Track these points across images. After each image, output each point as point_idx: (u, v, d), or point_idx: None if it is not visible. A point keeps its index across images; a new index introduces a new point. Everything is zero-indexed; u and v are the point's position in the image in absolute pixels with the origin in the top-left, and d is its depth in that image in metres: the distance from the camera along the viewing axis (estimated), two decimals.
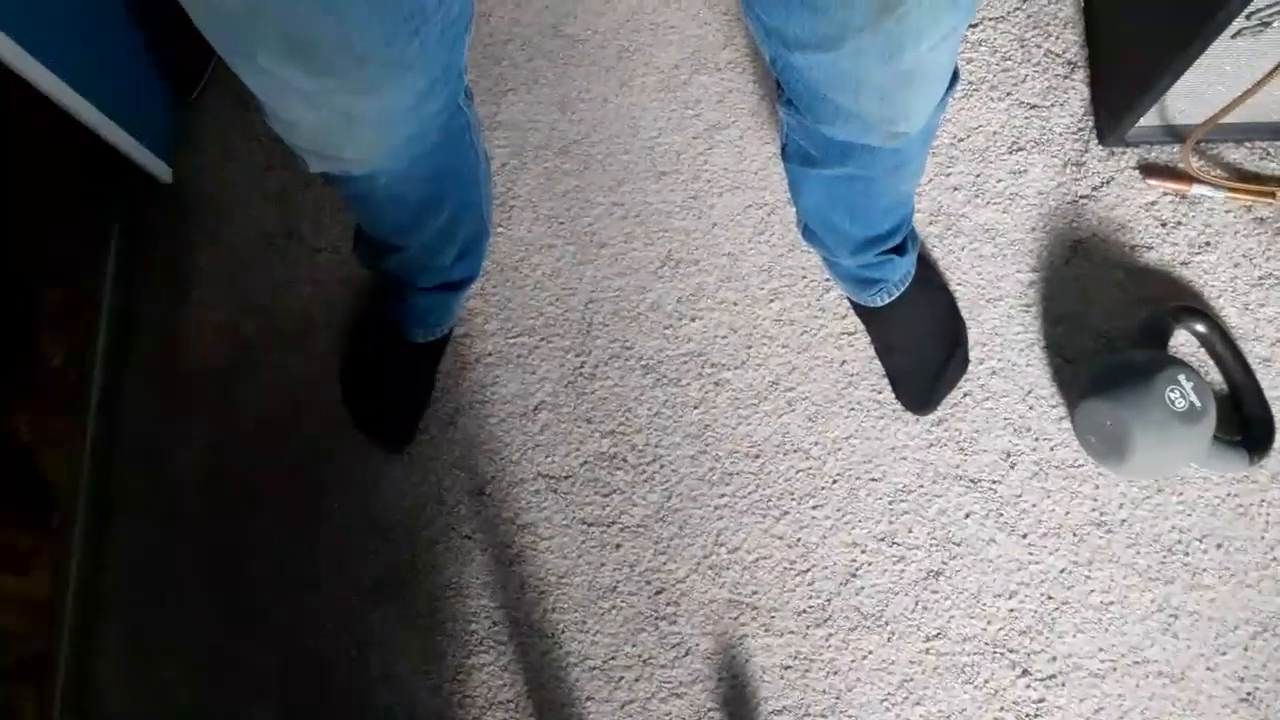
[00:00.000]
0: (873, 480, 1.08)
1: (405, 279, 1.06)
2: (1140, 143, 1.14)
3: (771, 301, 1.15)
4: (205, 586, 1.12)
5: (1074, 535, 1.05)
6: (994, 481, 1.07)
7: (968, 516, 1.06)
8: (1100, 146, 1.16)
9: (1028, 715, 1.01)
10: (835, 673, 1.04)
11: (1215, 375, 1.07)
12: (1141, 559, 1.03)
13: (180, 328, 1.19)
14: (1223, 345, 1.06)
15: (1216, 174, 1.13)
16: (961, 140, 1.18)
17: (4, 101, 0.96)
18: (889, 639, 1.04)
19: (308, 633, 1.09)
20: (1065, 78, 1.19)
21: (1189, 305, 1.08)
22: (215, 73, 1.26)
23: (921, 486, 1.08)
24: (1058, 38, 1.20)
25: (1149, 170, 1.14)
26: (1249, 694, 0.99)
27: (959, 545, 1.06)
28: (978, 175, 1.16)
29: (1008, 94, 1.19)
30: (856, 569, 1.06)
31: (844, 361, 1.12)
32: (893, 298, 1.06)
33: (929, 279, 1.11)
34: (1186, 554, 1.03)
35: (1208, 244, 1.12)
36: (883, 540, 1.07)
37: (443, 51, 0.68)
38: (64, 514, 1.08)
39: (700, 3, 1.26)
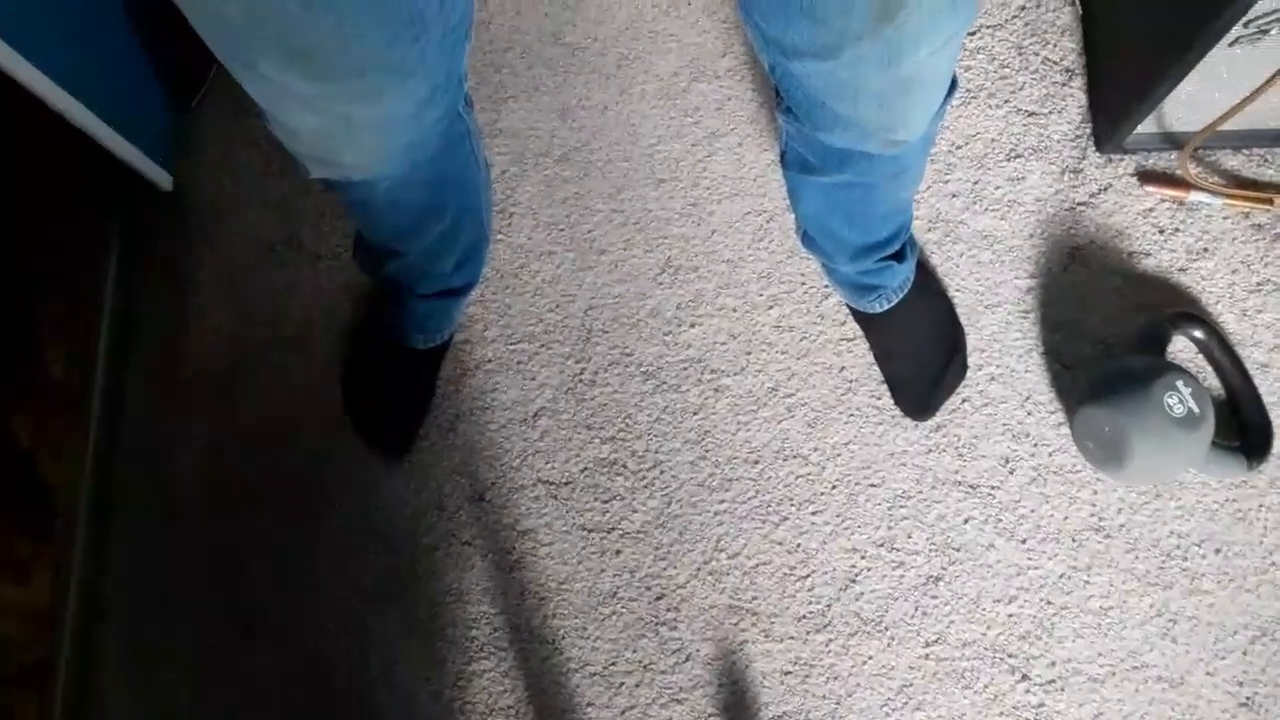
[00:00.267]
0: (872, 486, 1.09)
1: (405, 285, 1.06)
2: (1138, 150, 1.15)
3: (771, 308, 1.15)
4: (205, 590, 1.12)
5: (1073, 540, 1.05)
6: (993, 487, 1.07)
7: (967, 522, 1.07)
8: (1098, 153, 1.16)
9: None
10: (835, 678, 1.04)
11: (1213, 381, 1.08)
12: (1140, 564, 1.04)
13: (181, 333, 1.20)
14: (1220, 351, 1.06)
15: (1214, 181, 1.13)
16: (960, 147, 1.18)
17: (4, 107, 0.96)
18: (889, 644, 1.04)
19: (308, 638, 1.09)
20: (1063, 85, 1.19)
21: (1187, 311, 1.09)
22: (216, 79, 1.27)
23: (920, 492, 1.08)
24: (1055, 45, 1.21)
25: (1147, 177, 1.14)
26: (1248, 699, 1.00)
27: (958, 550, 1.06)
28: (976, 182, 1.17)
29: (1006, 101, 1.19)
30: (856, 574, 1.06)
31: (843, 368, 1.12)
32: (891, 304, 1.07)
33: (928, 285, 1.11)
34: (1185, 559, 1.03)
35: (1205, 250, 1.12)
36: (882, 546, 1.07)
37: (443, 58, 0.69)
38: (65, 519, 1.08)
39: (699, 11, 1.27)
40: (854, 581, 1.06)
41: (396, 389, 1.13)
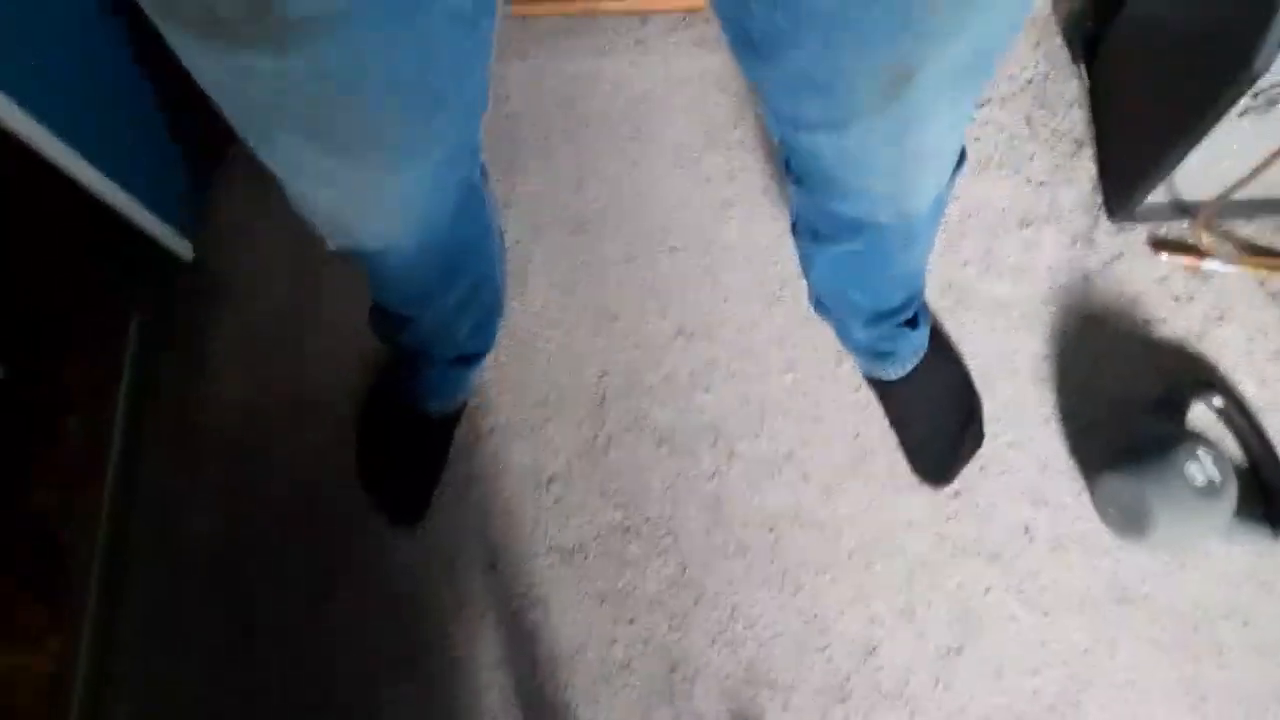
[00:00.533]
0: (890, 554, 1.07)
1: (420, 351, 1.07)
2: (1150, 218, 1.15)
3: (785, 373, 1.15)
4: (216, 659, 1.10)
5: (1096, 610, 1.03)
6: (1013, 555, 1.06)
7: (987, 591, 1.05)
8: (1110, 222, 1.17)
9: None
10: None
11: (1234, 449, 1.06)
12: (1165, 635, 1.01)
13: (198, 401, 1.20)
14: (1241, 419, 1.05)
15: (1228, 248, 1.13)
16: (971, 216, 1.19)
17: (25, 176, 0.98)
18: (910, 717, 1.02)
19: (319, 709, 1.07)
20: (1072, 155, 1.20)
21: (1205, 379, 1.08)
22: (237, 150, 1.29)
23: (940, 560, 1.06)
24: (1064, 116, 1.22)
25: (1160, 244, 1.15)
26: None
27: (979, 621, 1.04)
28: (988, 250, 1.17)
29: (1016, 171, 1.20)
30: (875, 644, 1.04)
31: (858, 434, 1.12)
32: (906, 370, 1.07)
33: (942, 352, 1.11)
34: (1211, 630, 1.01)
35: (1221, 318, 1.12)
36: (901, 615, 1.05)
37: (459, 131, 0.70)
38: (78, 591, 1.08)
39: (710, 84, 1.29)
40: (873, 652, 1.04)
41: (410, 455, 1.13)
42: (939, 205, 0.81)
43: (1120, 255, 1.15)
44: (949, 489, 1.08)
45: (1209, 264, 1.12)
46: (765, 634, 1.06)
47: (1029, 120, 1.23)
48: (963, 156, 0.76)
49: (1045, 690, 1.01)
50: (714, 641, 1.06)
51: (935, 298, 1.16)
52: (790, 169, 0.79)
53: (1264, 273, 1.12)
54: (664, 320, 1.19)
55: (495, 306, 1.12)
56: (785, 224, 1.20)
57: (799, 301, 1.17)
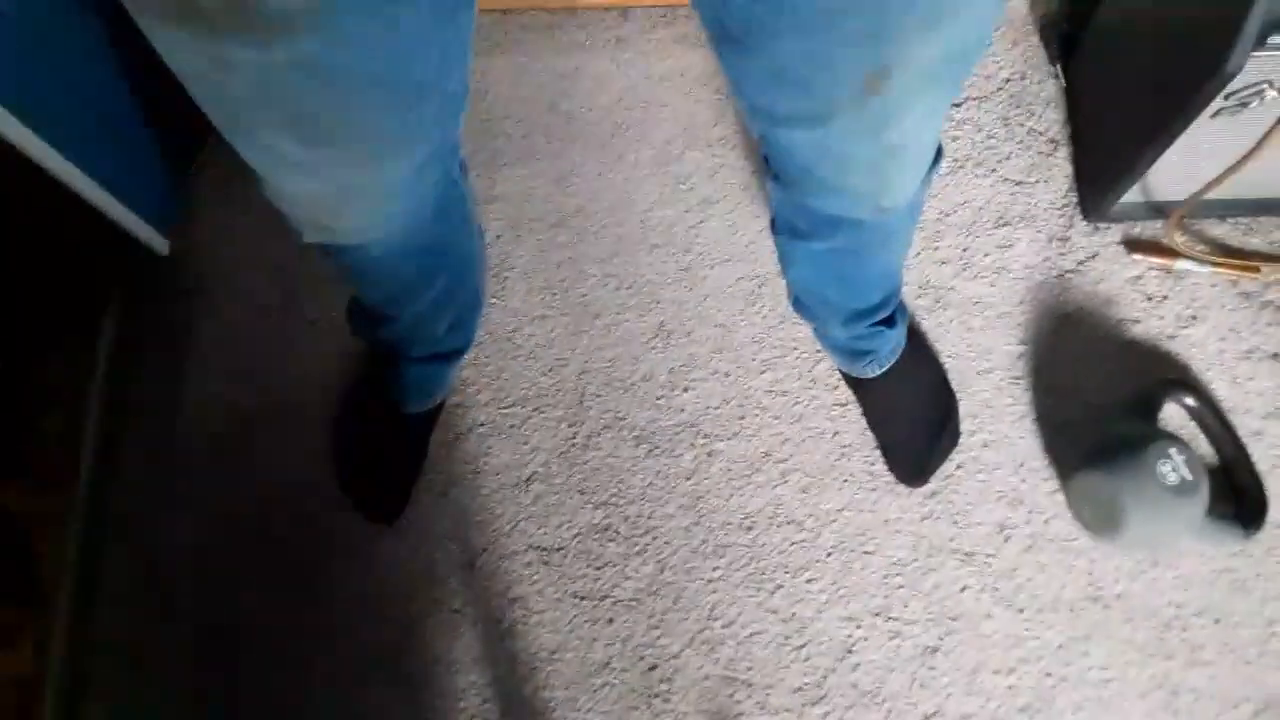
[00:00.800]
0: (867, 553, 1.07)
1: (399, 349, 1.06)
2: (1124, 218, 1.16)
3: (764, 372, 1.15)
4: (191, 659, 1.09)
5: (1070, 610, 1.03)
6: (989, 555, 1.06)
7: (963, 591, 1.05)
8: (1085, 222, 1.18)
9: None
10: None
11: (1206, 449, 1.07)
12: (1139, 634, 1.02)
13: (175, 400, 1.19)
14: (1213, 419, 1.07)
15: (1201, 249, 1.14)
16: (948, 215, 1.20)
17: (1, 173, 0.97)
18: (886, 717, 1.02)
19: (299, 709, 1.07)
20: (1048, 155, 1.21)
21: (1178, 378, 1.09)
22: (213, 144, 1.28)
23: (916, 560, 1.07)
24: (1040, 116, 1.23)
25: (1134, 245, 1.16)
26: None
27: (955, 620, 1.04)
28: (965, 249, 1.18)
29: (992, 170, 1.21)
30: (852, 644, 1.05)
31: (837, 433, 1.12)
32: (884, 369, 1.07)
33: (919, 351, 1.12)
34: (1184, 629, 1.02)
35: (1194, 318, 1.13)
36: (878, 615, 1.05)
37: (439, 126, 0.70)
38: (51, 592, 1.06)
39: (691, 82, 1.30)
40: (850, 652, 1.04)
41: (389, 453, 1.13)
42: (916, 203, 0.82)
43: (1095, 255, 1.16)
44: (926, 489, 1.09)
45: (1182, 264, 1.14)
46: (743, 633, 1.06)
47: (1006, 120, 1.24)
48: (939, 154, 0.76)
49: (1020, 689, 1.01)
50: (692, 641, 1.06)
51: (913, 297, 1.16)
52: (769, 165, 0.80)
53: (1236, 273, 1.13)
54: (644, 318, 1.19)
55: (475, 303, 1.11)
56: (765, 222, 1.20)
57: (779, 300, 1.17)
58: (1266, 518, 1.02)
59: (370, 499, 1.12)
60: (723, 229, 1.22)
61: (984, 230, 1.19)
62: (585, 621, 1.08)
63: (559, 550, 1.10)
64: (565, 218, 1.24)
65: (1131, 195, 1.11)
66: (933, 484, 1.09)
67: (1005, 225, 1.19)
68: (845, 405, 1.13)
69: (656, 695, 1.05)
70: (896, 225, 0.86)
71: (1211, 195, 1.04)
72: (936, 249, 1.18)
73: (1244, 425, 1.08)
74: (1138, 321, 1.14)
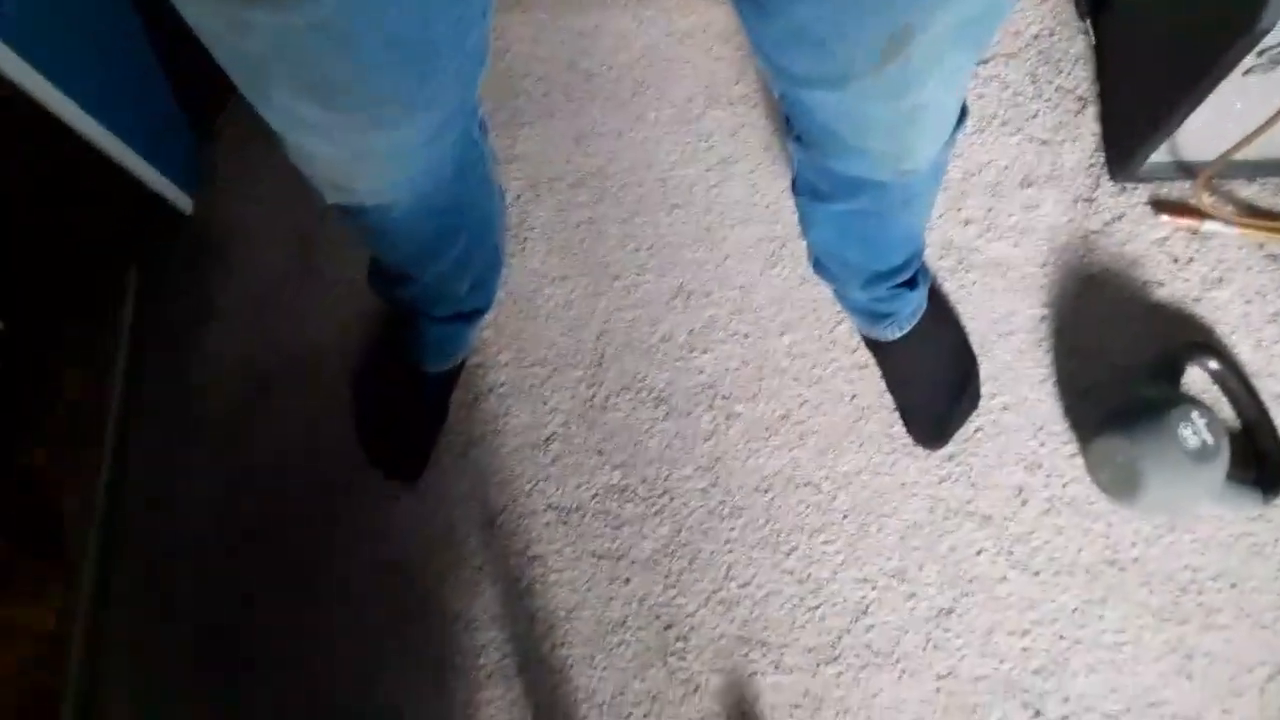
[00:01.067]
0: (884, 516, 1.08)
1: (419, 309, 1.07)
2: (1151, 179, 1.14)
3: (783, 334, 1.15)
4: (211, 617, 1.12)
5: (1087, 573, 1.04)
6: (1006, 518, 1.06)
7: (979, 553, 1.06)
8: (1111, 182, 1.16)
9: None
10: (846, 711, 1.02)
11: (1228, 413, 1.06)
12: (1155, 598, 1.02)
13: (198, 359, 1.21)
14: (1236, 382, 1.06)
15: (1229, 210, 1.12)
16: (973, 175, 1.18)
17: (25, 131, 0.98)
18: (900, 677, 1.03)
19: (315, 665, 1.09)
20: (1076, 114, 1.19)
21: (1202, 341, 1.08)
22: (236, 105, 1.28)
23: (933, 522, 1.07)
24: (1069, 74, 1.21)
25: (1161, 206, 1.14)
26: None
27: (971, 582, 1.05)
28: (989, 210, 1.17)
29: (1019, 129, 1.19)
30: (867, 606, 1.05)
31: (855, 395, 1.12)
32: (904, 331, 1.06)
33: (940, 313, 1.11)
34: (1200, 593, 1.02)
35: (1220, 280, 1.11)
36: (894, 577, 1.06)
37: (457, 86, 0.70)
38: (74, 547, 1.08)
39: (713, 39, 1.28)
40: (865, 613, 1.05)
41: (409, 413, 1.14)
42: (939, 164, 0.81)
43: (1121, 216, 1.15)
44: (944, 451, 1.09)
45: (1209, 226, 1.12)
46: (759, 594, 1.07)
47: (1034, 77, 1.21)
48: (964, 114, 0.75)
49: (1034, 651, 1.02)
50: (708, 601, 1.07)
51: (935, 258, 1.15)
52: (790, 126, 0.79)
53: (1264, 235, 1.11)
54: (663, 279, 1.18)
55: (495, 263, 1.11)
56: (786, 182, 1.19)
57: (799, 262, 1.17)
58: None
59: (390, 459, 1.14)
60: (743, 189, 1.21)
61: (1009, 190, 1.17)
62: (603, 580, 1.09)
63: (577, 510, 1.11)
64: (585, 177, 1.23)
65: (1160, 155, 1.09)
66: (951, 447, 1.09)
67: (1031, 185, 1.17)
68: (864, 368, 1.13)
69: (672, 654, 1.06)
70: (919, 187, 0.85)
71: (1241, 155, 1.02)
72: (960, 209, 1.17)
73: (1267, 389, 1.07)
74: (1163, 284, 1.12)
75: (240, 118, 1.29)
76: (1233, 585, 1.02)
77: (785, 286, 1.17)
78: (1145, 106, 1.07)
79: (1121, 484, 0.99)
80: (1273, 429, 1.04)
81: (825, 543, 1.08)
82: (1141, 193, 1.15)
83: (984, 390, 1.10)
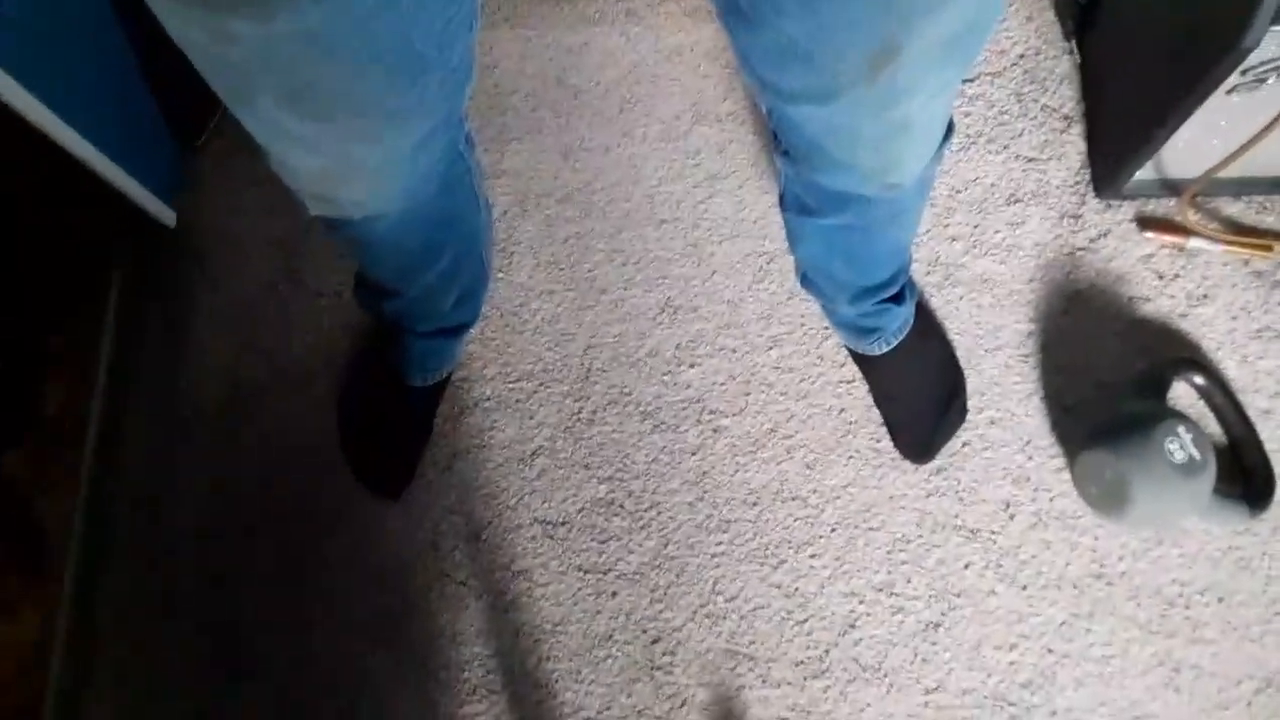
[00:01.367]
0: (871, 529, 1.08)
1: (405, 323, 1.06)
2: (1137, 196, 1.15)
3: (770, 349, 1.15)
4: (196, 630, 1.10)
5: (1074, 587, 1.04)
6: (993, 532, 1.06)
7: (967, 567, 1.05)
8: (1097, 199, 1.17)
9: None
10: None
11: (1214, 428, 1.07)
12: (1142, 612, 1.02)
13: (180, 372, 1.20)
14: (1222, 397, 1.06)
15: (1213, 227, 1.13)
16: (959, 192, 1.19)
17: (9, 142, 0.97)
18: (888, 691, 1.02)
19: (298, 680, 1.08)
20: (1062, 132, 1.20)
21: (1188, 357, 1.08)
22: (221, 117, 1.28)
23: (920, 536, 1.07)
24: (1054, 92, 1.22)
25: (1146, 222, 1.15)
26: None
27: (958, 596, 1.05)
28: (976, 226, 1.17)
29: (1005, 147, 1.20)
30: (855, 620, 1.05)
31: (842, 409, 1.12)
32: (891, 346, 1.07)
33: (927, 328, 1.11)
34: (1188, 607, 1.02)
35: (1205, 296, 1.12)
36: (881, 590, 1.06)
37: (443, 99, 0.69)
38: (56, 556, 1.07)
39: (701, 56, 1.28)
40: (853, 627, 1.05)
41: (394, 426, 1.13)
42: (926, 179, 0.81)
43: (1107, 233, 1.15)
44: (931, 465, 1.09)
45: (1194, 243, 1.13)
46: (746, 608, 1.06)
47: (1019, 96, 1.22)
48: (950, 130, 0.75)
49: (1022, 665, 1.02)
50: (695, 615, 1.07)
51: (922, 274, 1.16)
52: (777, 141, 0.79)
53: (1248, 252, 1.12)
54: (650, 294, 1.18)
55: (481, 277, 1.11)
56: (773, 198, 1.19)
57: (786, 277, 1.17)
58: (1273, 497, 1.02)
59: (375, 472, 1.13)
60: (731, 204, 1.21)
61: (995, 207, 1.18)
62: (589, 595, 1.08)
63: (563, 524, 1.11)
64: (572, 193, 1.23)
65: (1145, 172, 1.10)
66: (938, 461, 1.09)
67: (1017, 202, 1.18)
68: (851, 382, 1.13)
69: (659, 668, 1.05)
70: (906, 202, 0.86)
71: (1226, 173, 1.03)
72: (947, 226, 1.18)
73: (1253, 404, 1.07)
74: (1149, 300, 1.13)
75: (224, 130, 1.28)
76: (1220, 599, 1.02)
77: (773, 301, 1.17)
78: (1130, 124, 1.08)
79: (1109, 498, 1.00)
80: (1258, 443, 1.04)
81: (813, 556, 1.07)
82: (1127, 210, 1.16)
83: (971, 405, 1.10)
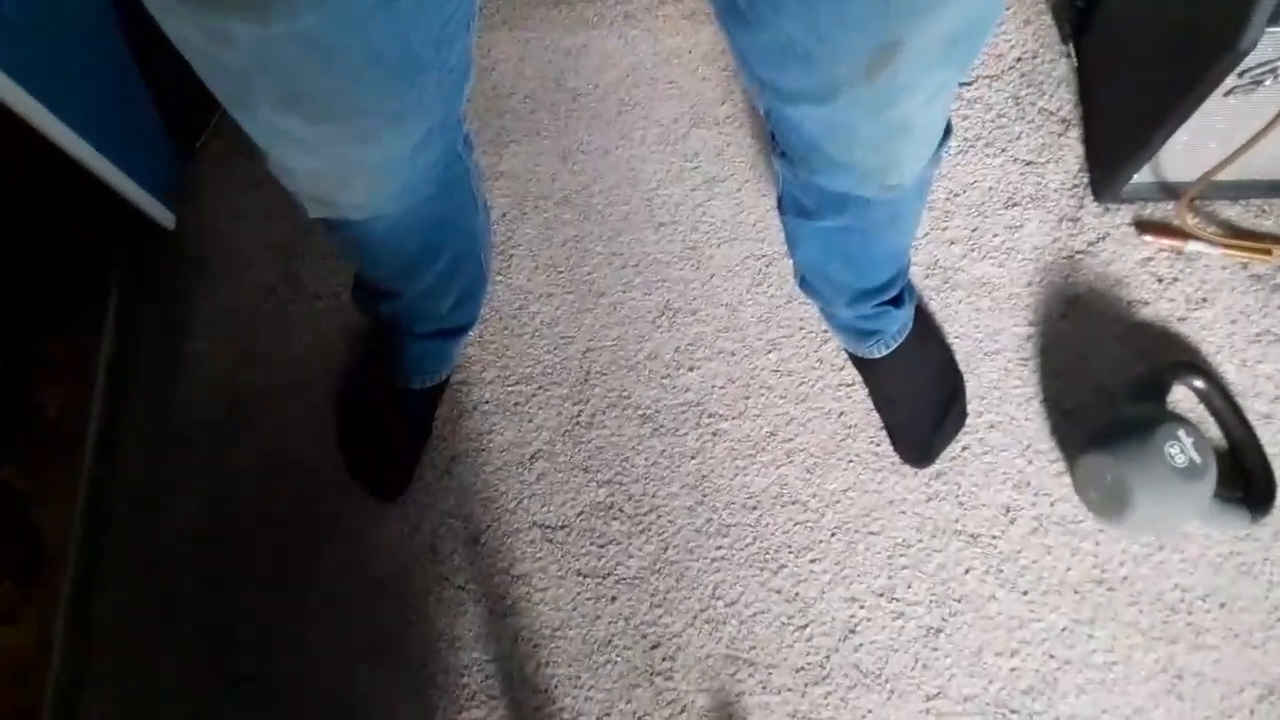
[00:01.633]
0: (871, 534, 1.07)
1: (403, 325, 1.06)
2: (1135, 199, 1.15)
3: (769, 352, 1.15)
4: (195, 636, 1.10)
5: (1075, 592, 1.03)
6: (994, 537, 1.06)
7: (968, 572, 1.05)
8: (1095, 203, 1.17)
9: None
10: None
11: (1214, 432, 1.07)
12: (1144, 618, 1.02)
13: (178, 373, 1.19)
14: (1221, 401, 1.06)
15: (1212, 231, 1.13)
16: (958, 195, 1.19)
17: (8, 146, 0.97)
18: (888, 698, 1.02)
19: (296, 685, 1.07)
20: (1060, 135, 1.20)
21: (1187, 361, 1.08)
22: (220, 120, 1.28)
23: (921, 541, 1.06)
24: (1052, 96, 1.22)
25: (1145, 226, 1.15)
26: None
27: (959, 602, 1.04)
28: (974, 229, 1.17)
29: (1003, 150, 1.20)
30: (855, 625, 1.04)
31: (842, 413, 1.12)
32: (890, 349, 1.06)
33: (926, 332, 1.11)
34: (1190, 613, 1.02)
35: (1204, 300, 1.12)
36: (882, 596, 1.05)
37: (441, 101, 0.69)
38: (53, 563, 1.07)
39: (699, 59, 1.28)
40: (853, 632, 1.04)
41: (392, 429, 1.13)
42: (924, 181, 0.81)
43: (1105, 236, 1.15)
44: (931, 470, 1.09)
45: (1193, 246, 1.12)
46: (746, 613, 1.06)
47: (1017, 99, 1.22)
48: (948, 132, 0.75)
49: (1023, 671, 1.01)
50: (695, 620, 1.06)
51: (921, 277, 1.15)
52: (776, 142, 0.79)
53: (1247, 255, 1.12)
54: (649, 297, 1.18)
55: (480, 280, 1.11)
56: (772, 201, 1.19)
57: (785, 280, 1.17)
58: (1274, 502, 1.02)
59: (373, 475, 1.12)
60: (729, 208, 1.21)
61: (993, 211, 1.18)
62: (588, 599, 1.08)
63: (563, 528, 1.10)
64: (571, 195, 1.23)
65: (1143, 176, 1.10)
66: (938, 465, 1.09)
67: (1015, 206, 1.18)
68: (851, 385, 1.12)
69: (658, 673, 1.05)
70: (904, 204, 0.86)
71: (1224, 176, 1.03)
72: (945, 229, 1.17)
73: (1253, 408, 1.07)
74: (1147, 303, 1.13)
75: (223, 132, 1.28)
76: (1222, 605, 1.01)
77: (771, 304, 1.16)
78: (1128, 128, 1.08)
79: (1109, 503, 0.99)
80: (1259, 447, 1.04)
81: (813, 561, 1.07)
82: (1125, 213, 1.16)
83: (971, 409, 1.10)
